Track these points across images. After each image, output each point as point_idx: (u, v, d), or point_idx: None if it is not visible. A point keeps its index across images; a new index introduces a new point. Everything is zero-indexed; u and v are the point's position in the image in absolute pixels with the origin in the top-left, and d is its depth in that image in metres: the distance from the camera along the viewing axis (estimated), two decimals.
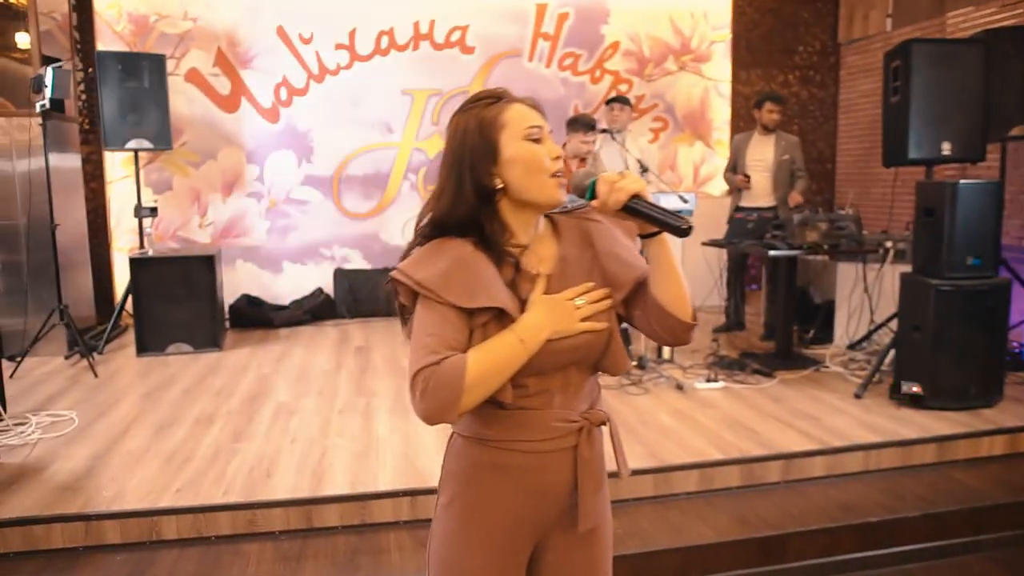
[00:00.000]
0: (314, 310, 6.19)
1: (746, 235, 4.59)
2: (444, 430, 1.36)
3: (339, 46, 6.20)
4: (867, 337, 4.65)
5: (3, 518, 2.69)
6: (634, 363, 4.44)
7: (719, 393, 4.05)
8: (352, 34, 6.20)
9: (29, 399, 4.06)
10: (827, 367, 4.47)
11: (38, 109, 4.43)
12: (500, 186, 1.24)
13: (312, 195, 6.35)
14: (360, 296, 6.30)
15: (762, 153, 5.28)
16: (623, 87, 6.60)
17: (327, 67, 6.22)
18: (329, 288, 6.37)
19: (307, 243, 6.39)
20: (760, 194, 5.27)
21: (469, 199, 1.25)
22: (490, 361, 1.17)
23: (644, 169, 4.39)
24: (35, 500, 2.82)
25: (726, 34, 6.75)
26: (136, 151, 5.36)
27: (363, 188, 6.43)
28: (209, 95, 6.09)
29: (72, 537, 2.71)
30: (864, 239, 4.46)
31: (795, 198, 5.14)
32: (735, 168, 5.35)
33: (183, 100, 6.01)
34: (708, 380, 4.18)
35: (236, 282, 6.21)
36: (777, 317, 4.74)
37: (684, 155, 6.84)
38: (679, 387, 4.12)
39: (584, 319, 1.25)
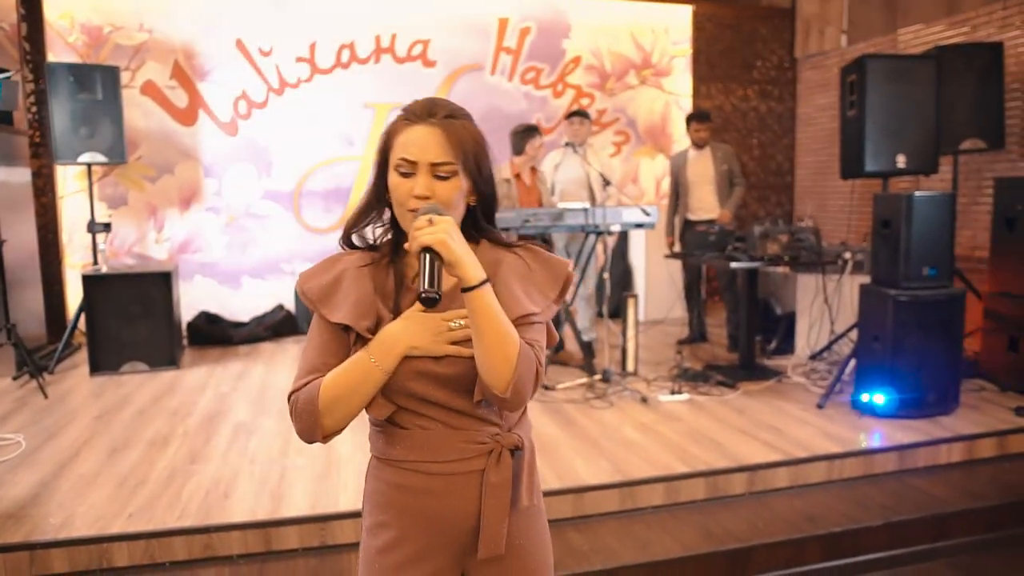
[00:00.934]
0: (275, 326, 6.08)
1: (708, 247, 4.63)
2: None
3: (299, 59, 6.14)
4: (828, 347, 4.71)
5: (27, 540, 2.57)
6: (598, 376, 4.44)
7: (684, 406, 4.06)
8: (313, 47, 6.14)
9: None
10: (789, 378, 4.51)
11: None
12: (389, 202, 1.25)
13: (272, 209, 6.26)
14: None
15: (701, 167, 5.41)
16: (585, 101, 6.64)
17: (287, 80, 6.15)
18: (290, 304, 6.27)
19: (267, 258, 6.28)
20: (706, 207, 5.37)
21: (368, 210, 1.29)
22: (342, 382, 1.18)
23: (607, 183, 4.41)
24: (29, 526, 2.70)
25: (686, 49, 6.84)
26: (89, 165, 5.23)
27: (324, 202, 6.35)
28: (166, 108, 5.97)
29: (16, 569, 2.59)
30: (823, 250, 4.52)
31: (724, 215, 5.26)
32: (677, 186, 5.45)
33: (139, 113, 5.88)
34: (672, 392, 4.19)
35: (194, 298, 6.07)
36: (739, 329, 4.78)
37: (646, 168, 6.90)
38: (643, 400, 4.11)
39: (456, 343, 1.20)
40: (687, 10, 6.78)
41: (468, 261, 1.12)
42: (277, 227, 6.28)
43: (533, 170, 4.86)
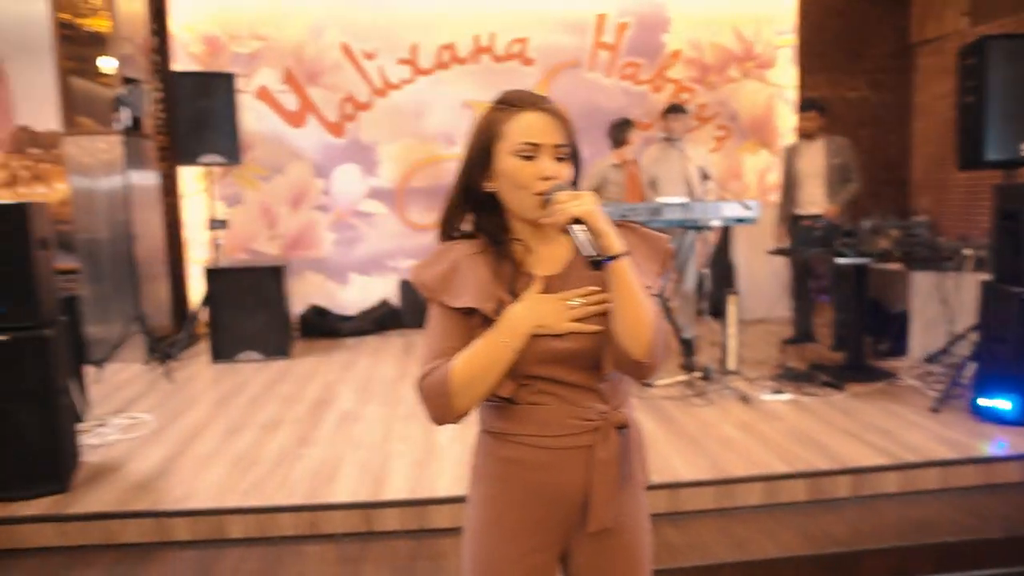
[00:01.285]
0: (379, 320, 6.29)
1: (813, 243, 4.46)
2: None
3: (402, 61, 6.33)
4: (945, 349, 4.45)
5: (83, 512, 2.82)
6: (698, 373, 4.36)
7: (786, 405, 3.93)
8: (414, 49, 6.32)
9: (110, 402, 4.24)
10: (901, 380, 4.29)
11: (118, 128, 4.66)
12: (491, 191, 1.28)
13: (377, 207, 6.48)
14: (424, 307, 6.34)
15: (812, 160, 5.19)
16: (685, 96, 6.52)
17: (390, 82, 6.35)
18: (395, 299, 6.47)
19: (372, 254, 6.51)
20: (815, 201, 5.17)
21: (464, 200, 1.32)
22: (473, 363, 1.22)
23: (705, 177, 4.33)
24: (113, 497, 2.95)
25: (791, 39, 6.61)
26: (208, 166, 5.57)
27: (426, 200, 6.51)
28: (277, 111, 6.29)
29: (144, 533, 2.81)
30: (940, 246, 4.28)
31: (831, 210, 5.03)
32: (788, 178, 5.27)
33: (253, 116, 6.22)
34: (774, 392, 4.07)
35: (304, 293, 6.37)
36: (847, 328, 4.58)
37: (749, 163, 6.71)
38: (744, 399, 4.02)
39: (576, 320, 1.24)
40: None
41: (611, 231, 1.17)
42: (382, 224, 6.49)
43: (635, 162, 4.84)
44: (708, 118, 6.59)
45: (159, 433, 3.71)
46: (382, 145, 6.42)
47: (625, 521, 1.33)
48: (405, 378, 4.73)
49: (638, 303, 1.18)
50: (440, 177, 6.47)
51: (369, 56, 6.31)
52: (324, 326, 6.13)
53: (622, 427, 1.30)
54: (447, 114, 6.41)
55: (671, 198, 4.41)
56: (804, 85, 6.64)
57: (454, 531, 2.83)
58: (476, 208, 1.32)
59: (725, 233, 6.50)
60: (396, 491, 2.96)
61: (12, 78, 6.09)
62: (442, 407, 1.23)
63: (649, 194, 4.86)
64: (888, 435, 3.42)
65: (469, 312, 1.27)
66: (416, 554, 2.72)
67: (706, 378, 4.31)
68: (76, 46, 5.26)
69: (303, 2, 6.21)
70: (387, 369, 5.00)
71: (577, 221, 1.16)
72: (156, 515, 2.82)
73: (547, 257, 1.30)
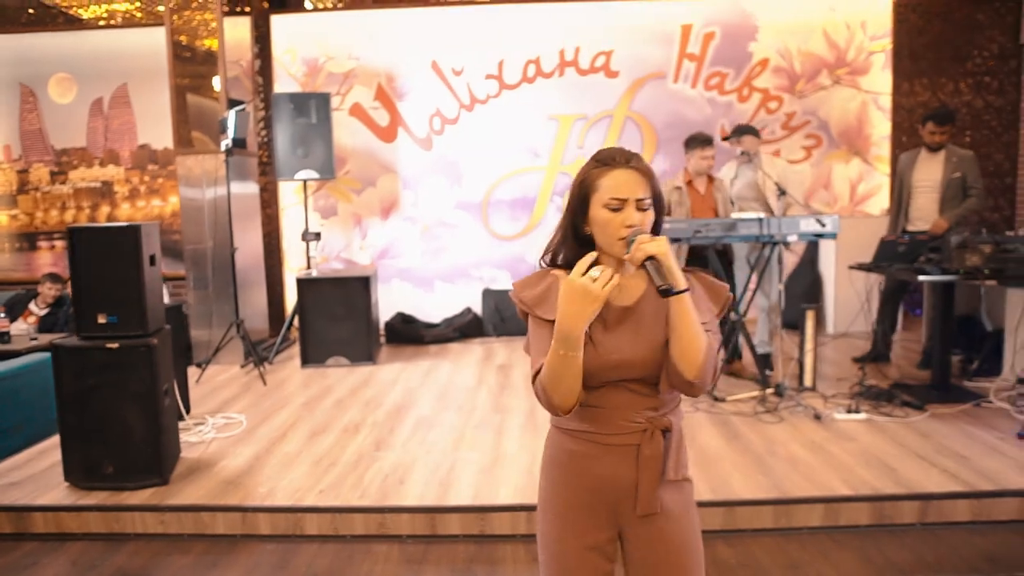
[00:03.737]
0: (462, 328, 6.50)
1: (897, 258, 4.32)
2: None
3: (488, 76, 6.52)
4: None
5: (179, 504, 3.11)
6: (771, 390, 4.32)
7: (860, 425, 3.84)
8: (501, 64, 6.50)
9: (209, 402, 4.61)
10: (990, 402, 4.10)
11: (222, 147, 5.05)
12: (589, 233, 1.52)
13: (462, 218, 6.70)
14: (506, 315, 6.55)
15: (928, 172, 4.92)
16: (773, 105, 6.41)
17: (477, 97, 6.55)
18: (477, 307, 6.67)
19: (458, 264, 6.74)
20: (925, 217, 4.92)
21: (569, 238, 1.56)
22: (550, 372, 1.43)
23: (781, 192, 4.27)
24: (205, 491, 3.24)
25: (886, 43, 6.37)
26: (304, 181, 5.93)
27: (511, 211, 6.68)
28: (370, 127, 6.61)
29: (231, 525, 3.08)
30: None
31: (937, 224, 4.77)
32: (900, 190, 5.04)
33: (347, 132, 6.57)
34: (849, 411, 3.98)
35: (392, 300, 6.67)
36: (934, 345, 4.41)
37: (840, 173, 6.51)
38: (817, 417, 3.95)
39: (638, 336, 1.47)
40: (887, 2, 6.31)
41: (678, 270, 1.39)
42: (467, 235, 6.71)
43: (710, 178, 4.81)
44: (796, 127, 6.44)
45: (250, 432, 4.02)
46: (468, 158, 6.63)
47: (670, 508, 1.53)
48: (482, 386, 4.90)
49: (694, 332, 1.40)
50: (524, 190, 6.63)
51: (457, 72, 6.53)
52: (409, 333, 6.39)
53: (666, 430, 1.50)
54: (532, 127, 6.56)
55: (746, 214, 4.37)
56: (899, 91, 6.39)
57: (512, 538, 2.98)
58: (576, 244, 1.54)
59: (813, 246, 6.35)
60: (461, 497, 3.11)
61: (135, 100, 6.69)
62: (547, 403, 1.46)
63: (728, 209, 4.82)
64: (964, 460, 3.30)
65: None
66: (475, 558, 2.86)
67: (779, 394, 4.27)
68: (189, 69, 5.72)
69: (395, 22, 6.51)
70: (466, 377, 5.18)
71: (652, 259, 1.38)
72: (242, 510, 3.08)
73: (626, 289, 1.52)
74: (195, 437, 3.91)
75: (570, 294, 1.38)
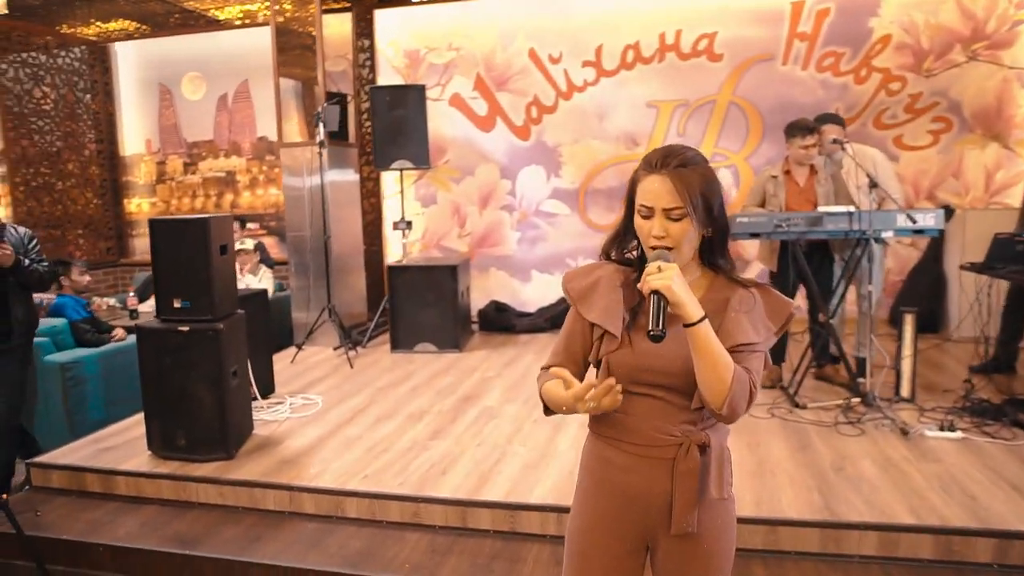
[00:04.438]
0: (554, 318, 6.47)
1: (1012, 259, 3.83)
2: None
3: (586, 63, 6.40)
4: None
5: (235, 479, 3.32)
6: (858, 399, 3.98)
7: (952, 445, 3.46)
8: (599, 51, 6.36)
9: (296, 382, 4.87)
10: None
11: (317, 140, 5.29)
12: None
13: (559, 208, 6.65)
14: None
15: None
16: (895, 86, 5.85)
17: (575, 84, 6.46)
18: None
19: (554, 253, 6.70)
20: None
21: (624, 234, 1.53)
22: (547, 396, 1.50)
23: (873, 185, 3.88)
24: (263, 468, 3.43)
25: None
26: (400, 170, 6.10)
27: (608, 200, 6.55)
28: (469, 117, 6.69)
29: (280, 502, 3.25)
30: None
31: None
32: None
33: (447, 122, 6.68)
34: (942, 428, 3.60)
35: (489, 288, 6.74)
36: None
37: (973, 159, 5.85)
38: (904, 432, 3.60)
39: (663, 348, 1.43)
40: None
41: (688, 302, 1.33)
42: (563, 224, 6.65)
43: (812, 169, 4.45)
44: (922, 110, 5.85)
45: (323, 414, 4.21)
46: (565, 147, 6.56)
47: (706, 529, 1.48)
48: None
49: (714, 364, 1.34)
50: (622, 178, 6.46)
51: (554, 60, 6.46)
52: (501, 321, 6.44)
53: (703, 446, 1.45)
54: (630, 115, 6.38)
55: (834, 207, 4.03)
56: None
57: (541, 537, 2.94)
58: (631, 241, 1.52)
59: (939, 240, 5.76)
60: (495, 492, 3.11)
61: (255, 95, 7.14)
62: (543, 406, 1.55)
63: (828, 203, 4.45)
64: None
65: (594, 324, 1.51)
66: (498, 555, 2.85)
67: (866, 404, 3.93)
68: (293, 65, 6.02)
69: (494, 12, 6.52)
70: None
71: (656, 292, 1.32)
72: (289, 489, 3.24)
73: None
74: (270, 416, 4.15)
75: (555, 401, 1.45)
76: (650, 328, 1.32)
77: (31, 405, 4.12)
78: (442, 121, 6.67)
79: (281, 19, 5.76)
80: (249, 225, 7.09)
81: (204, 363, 3.49)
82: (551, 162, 6.61)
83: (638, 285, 1.39)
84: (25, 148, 6.81)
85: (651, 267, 1.34)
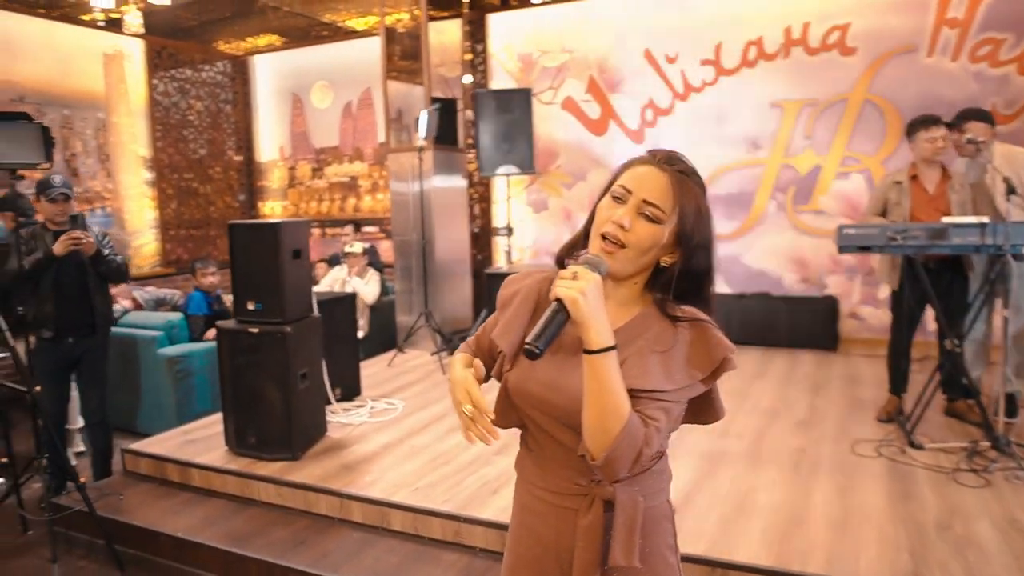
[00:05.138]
0: None
1: None
2: None
3: (705, 62, 6.02)
4: None
5: (293, 480, 3.36)
6: (987, 443, 3.41)
7: None
8: (718, 48, 5.96)
9: (386, 386, 4.91)
10: None
11: (417, 145, 5.32)
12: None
13: None
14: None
15: None
16: None
17: (692, 85, 6.10)
18: None
19: None
20: None
21: (579, 239, 1.32)
22: (451, 367, 1.36)
23: (1011, 191, 3.29)
24: (323, 471, 3.45)
25: None
26: (507, 175, 6.02)
27: (726, 208, 6.12)
28: (581, 120, 6.50)
29: (332, 508, 3.25)
30: None
31: None
32: None
33: (559, 126, 6.54)
34: None
35: None
36: None
37: None
38: None
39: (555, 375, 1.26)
40: None
41: (594, 325, 1.10)
42: None
43: (945, 173, 3.89)
44: None
45: (399, 420, 4.20)
46: (681, 151, 6.15)
47: None
48: None
49: (603, 408, 1.11)
50: (741, 184, 6.03)
51: (671, 60, 6.14)
52: None
53: (609, 502, 1.23)
54: (752, 116, 5.93)
55: (962, 218, 3.48)
56: None
57: None
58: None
59: None
60: None
61: (377, 102, 7.35)
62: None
63: (963, 213, 3.87)
64: None
65: None
66: None
67: (998, 449, 3.35)
68: (415, 72, 6.12)
69: (608, 11, 6.30)
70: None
71: (557, 300, 1.11)
72: (340, 495, 3.23)
73: (615, 307, 1.26)
74: (346, 419, 4.19)
75: (452, 382, 1.31)
76: (527, 339, 1.11)
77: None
78: (554, 125, 6.53)
79: (403, 29, 5.86)
80: (366, 228, 7.30)
81: (273, 364, 3.56)
82: None
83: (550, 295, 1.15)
84: (171, 155, 7.41)
85: (566, 272, 1.13)
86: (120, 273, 3.80)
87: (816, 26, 5.63)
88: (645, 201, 1.20)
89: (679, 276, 1.24)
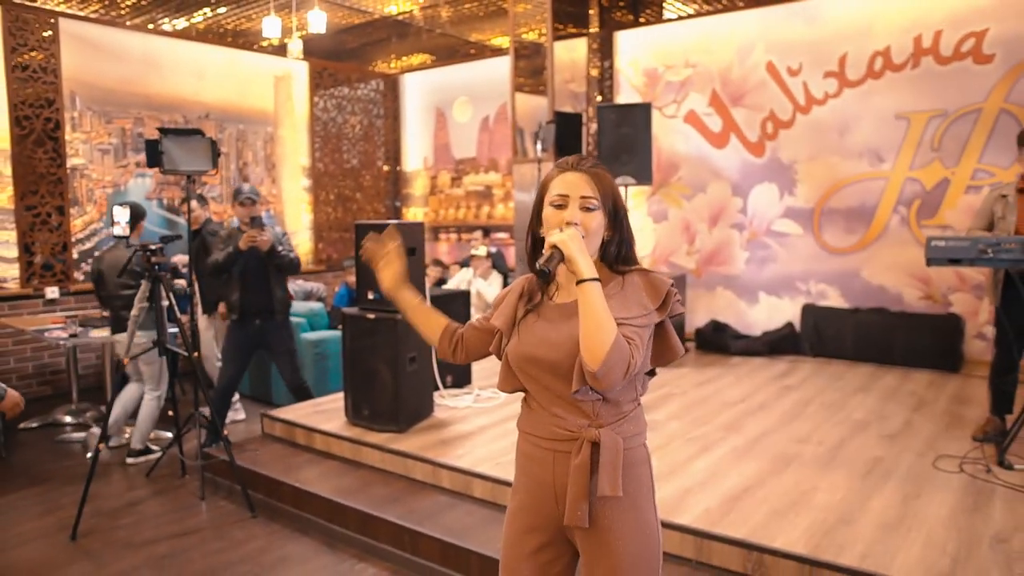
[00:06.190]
0: (773, 343, 6.14)
1: None
2: None
3: (828, 74, 5.98)
4: None
5: (395, 448, 3.83)
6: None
7: None
8: (843, 60, 5.91)
9: (494, 378, 5.27)
10: None
11: (536, 157, 5.73)
12: (542, 236, 1.60)
13: (792, 227, 6.29)
14: (825, 335, 5.99)
15: None
16: None
17: (814, 97, 6.07)
18: (798, 322, 6.22)
19: (784, 275, 6.36)
20: None
21: (532, 248, 1.66)
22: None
23: None
24: (421, 443, 3.90)
25: None
26: (625, 186, 6.28)
27: (846, 221, 6.05)
28: (703, 133, 6.63)
29: (425, 474, 3.69)
30: None
31: None
32: None
33: (681, 139, 6.71)
34: None
35: (714, 307, 6.62)
36: None
37: None
38: None
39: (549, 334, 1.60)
40: None
41: (582, 261, 1.45)
42: (796, 245, 6.28)
43: None
44: None
45: (499, 407, 4.58)
46: (801, 164, 6.19)
47: (617, 526, 1.53)
48: (741, 403, 4.67)
49: (597, 321, 1.42)
50: (863, 197, 5.94)
51: (793, 72, 6.15)
52: (717, 341, 6.28)
53: (595, 443, 1.51)
54: (876, 128, 5.83)
55: None
56: None
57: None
58: (536, 249, 1.65)
59: None
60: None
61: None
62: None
63: None
64: None
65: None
66: None
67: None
68: (531, 87, 6.55)
69: (734, 25, 6.41)
70: (733, 392, 4.98)
71: (555, 248, 1.48)
72: (432, 463, 3.66)
73: (565, 288, 1.62)
74: (452, 403, 4.64)
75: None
76: (538, 263, 1.48)
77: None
78: (676, 138, 6.71)
79: (534, 47, 6.30)
80: (498, 235, 7.80)
81: (385, 348, 4.07)
82: (785, 179, 6.28)
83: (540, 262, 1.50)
84: (327, 165, 8.30)
85: (556, 231, 1.50)
86: (292, 267, 4.53)
87: (949, 33, 5.46)
88: (583, 198, 1.54)
89: (617, 245, 1.60)
